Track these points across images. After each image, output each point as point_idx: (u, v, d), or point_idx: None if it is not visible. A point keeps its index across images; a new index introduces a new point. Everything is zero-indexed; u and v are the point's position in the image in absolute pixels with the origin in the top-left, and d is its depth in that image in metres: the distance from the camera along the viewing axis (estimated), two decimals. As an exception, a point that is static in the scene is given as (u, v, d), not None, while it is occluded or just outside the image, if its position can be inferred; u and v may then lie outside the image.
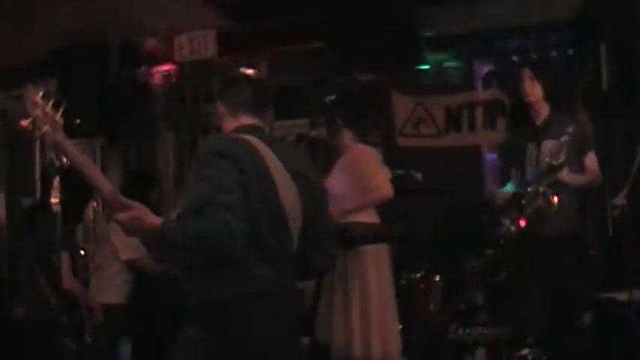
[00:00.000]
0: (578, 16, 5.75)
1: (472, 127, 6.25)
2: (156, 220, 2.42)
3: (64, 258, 4.97)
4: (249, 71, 2.81)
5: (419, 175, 5.43)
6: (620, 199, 4.70)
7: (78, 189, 3.37)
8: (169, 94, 7.12)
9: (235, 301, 2.47)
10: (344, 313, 4.34)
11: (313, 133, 6.01)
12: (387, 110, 6.51)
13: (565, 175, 4.34)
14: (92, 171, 2.58)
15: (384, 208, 4.57)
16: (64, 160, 3.76)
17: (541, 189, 4.36)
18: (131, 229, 2.45)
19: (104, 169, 6.55)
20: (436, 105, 6.37)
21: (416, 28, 6.05)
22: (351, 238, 4.33)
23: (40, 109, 2.53)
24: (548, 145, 4.44)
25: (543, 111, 4.59)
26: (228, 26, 6.40)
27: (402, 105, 6.48)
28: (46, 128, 2.53)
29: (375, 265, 4.41)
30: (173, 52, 6.68)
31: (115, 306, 5.15)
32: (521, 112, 4.78)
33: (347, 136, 4.57)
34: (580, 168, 4.51)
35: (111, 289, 5.17)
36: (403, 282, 5.26)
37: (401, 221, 4.99)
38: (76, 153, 2.58)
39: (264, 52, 6.58)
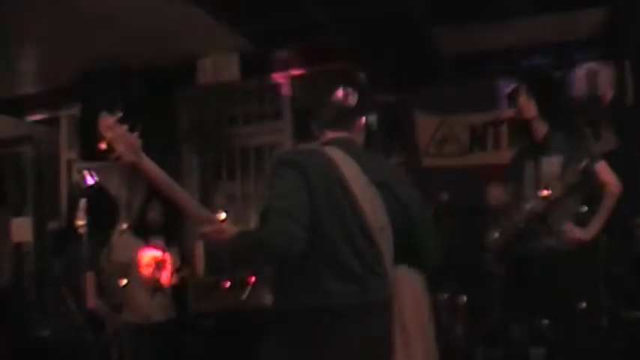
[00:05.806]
0: (602, 33, 5.73)
1: (497, 145, 6.19)
2: (232, 232, 2.50)
3: (90, 279, 5.00)
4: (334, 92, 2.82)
5: (445, 195, 5.38)
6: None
7: (103, 211, 3.39)
8: (193, 117, 7.16)
9: (304, 314, 2.45)
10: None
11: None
12: (410, 130, 6.50)
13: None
14: (174, 191, 2.70)
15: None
16: (92, 181, 3.85)
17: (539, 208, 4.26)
18: (214, 241, 2.55)
19: (129, 192, 6.57)
20: (460, 124, 6.33)
21: (439, 47, 6.04)
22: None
23: (114, 131, 2.60)
24: (547, 162, 4.34)
25: (541, 128, 4.47)
26: (251, 49, 6.44)
27: (425, 124, 6.45)
28: (121, 149, 2.59)
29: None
30: (197, 75, 6.75)
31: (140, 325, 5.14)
32: (523, 128, 4.70)
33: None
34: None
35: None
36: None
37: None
38: (156, 173, 2.68)
39: (286, 74, 6.63)
